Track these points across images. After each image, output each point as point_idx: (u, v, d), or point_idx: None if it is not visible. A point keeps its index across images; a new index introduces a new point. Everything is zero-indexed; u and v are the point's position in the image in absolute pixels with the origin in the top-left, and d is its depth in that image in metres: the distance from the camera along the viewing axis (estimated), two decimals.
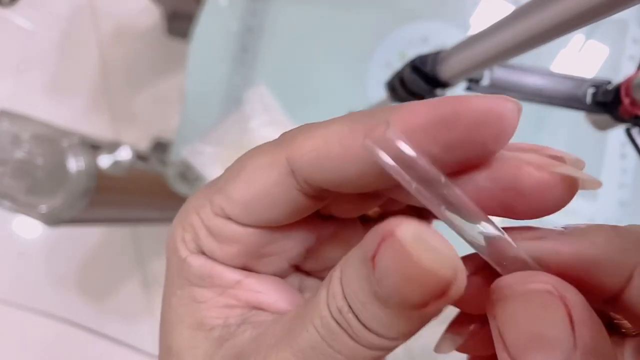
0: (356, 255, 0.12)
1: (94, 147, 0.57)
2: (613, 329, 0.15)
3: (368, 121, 0.12)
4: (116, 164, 0.58)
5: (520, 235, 0.13)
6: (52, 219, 0.54)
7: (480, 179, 0.13)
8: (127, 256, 1.14)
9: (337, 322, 0.12)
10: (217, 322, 0.15)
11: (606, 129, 0.37)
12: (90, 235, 1.13)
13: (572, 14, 0.21)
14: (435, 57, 0.34)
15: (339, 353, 0.12)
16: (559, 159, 0.13)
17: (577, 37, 0.59)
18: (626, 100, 0.33)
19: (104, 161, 0.57)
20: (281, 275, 0.17)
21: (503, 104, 0.12)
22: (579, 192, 0.13)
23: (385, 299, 0.11)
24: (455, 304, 0.15)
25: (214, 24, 0.63)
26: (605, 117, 0.35)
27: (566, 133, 0.58)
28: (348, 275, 0.12)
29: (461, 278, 0.11)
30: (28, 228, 1.15)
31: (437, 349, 0.16)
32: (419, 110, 0.12)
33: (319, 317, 0.13)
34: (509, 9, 0.25)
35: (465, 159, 0.12)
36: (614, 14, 0.20)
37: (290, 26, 0.64)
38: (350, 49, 0.63)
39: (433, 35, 0.61)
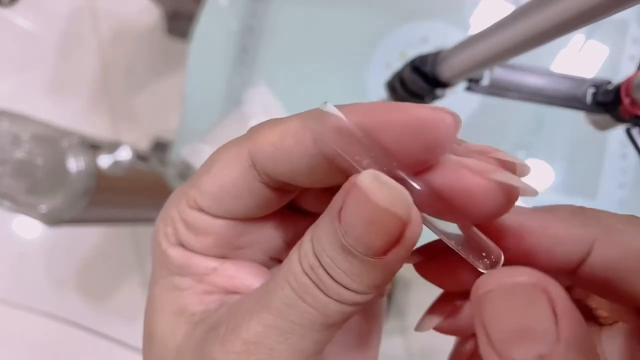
0: (325, 214, 0.13)
1: (94, 147, 0.57)
2: (590, 319, 0.16)
3: (317, 117, 0.13)
4: (116, 164, 0.58)
5: None
6: (52, 219, 0.54)
7: (422, 181, 0.13)
8: (127, 256, 1.14)
9: (309, 278, 0.13)
10: (198, 308, 0.15)
11: (606, 129, 0.37)
12: (90, 235, 1.13)
13: (572, 14, 0.21)
14: (435, 57, 0.34)
15: (312, 307, 0.13)
16: (504, 163, 0.13)
17: (577, 37, 0.59)
18: (626, 100, 0.33)
19: (104, 161, 0.57)
20: (262, 263, 0.18)
21: (438, 115, 0.12)
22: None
23: (350, 249, 0.12)
24: (434, 280, 0.16)
25: (214, 24, 0.63)
26: (605, 117, 0.35)
27: (566, 133, 0.58)
28: (318, 234, 0.13)
29: (415, 219, 0.12)
30: (28, 228, 1.15)
31: (418, 327, 0.17)
32: (357, 110, 0.13)
33: (292, 275, 0.13)
34: (509, 9, 0.25)
35: (406, 165, 0.13)
36: (614, 14, 0.20)
37: (290, 26, 0.64)
38: (350, 49, 0.63)
39: (433, 35, 0.61)
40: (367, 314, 0.18)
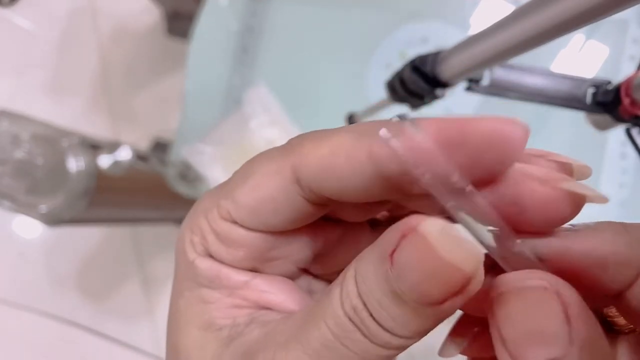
0: (373, 252, 0.12)
1: (94, 147, 0.57)
2: (606, 326, 0.15)
3: (373, 133, 0.12)
4: (116, 164, 0.58)
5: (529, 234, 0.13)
6: (52, 219, 0.54)
7: (484, 193, 0.13)
8: (127, 256, 1.14)
9: (352, 321, 0.12)
10: (226, 322, 0.15)
11: (606, 129, 0.37)
12: (90, 235, 1.13)
13: (572, 14, 0.21)
14: (435, 57, 0.34)
15: (352, 352, 0.12)
16: (567, 166, 0.13)
17: (577, 37, 0.59)
18: (626, 100, 0.33)
19: (104, 161, 0.57)
20: (290, 277, 0.17)
21: (510, 127, 0.12)
22: None
23: (402, 296, 0.11)
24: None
25: (214, 24, 0.63)
26: (605, 117, 0.35)
27: (566, 133, 0.58)
28: (364, 273, 0.12)
29: (480, 273, 0.11)
30: (28, 228, 1.15)
31: (442, 353, 0.16)
32: (432, 124, 0.12)
33: (332, 315, 0.13)
34: (509, 9, 0.25)
35: (472, 178, 0.12)
36: (614, 14, 0.20)
37: (290, 26, 0.64)
38: (350, 49, 0.63)
39: (433, 35, 0.61)
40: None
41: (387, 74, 0.40)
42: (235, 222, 0.15)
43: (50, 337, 1.10)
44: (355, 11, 0.63)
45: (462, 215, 0.12)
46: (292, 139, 0.14)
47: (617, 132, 0.42)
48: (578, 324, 0.11)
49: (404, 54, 0.61)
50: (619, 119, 0.34)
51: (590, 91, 0.36)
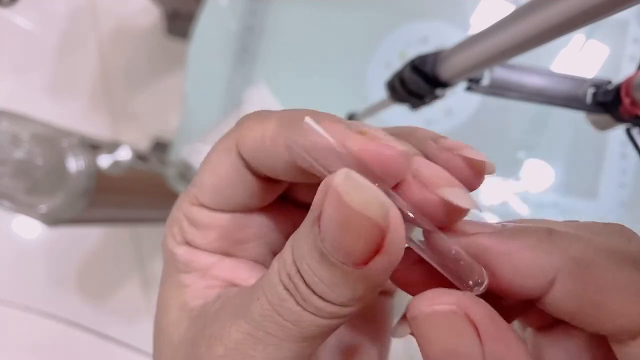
0: (306, 219, 0.13)
1: (93, 147, 0.57)
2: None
3: (293, 123, 0.13)
4: (116, 164, 0.58)
5: (455, 231, 0.14)
6: (52, 219, 0.54)
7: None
8: (127, 256, 1.14)
9: (286, 289, 0.13)
10: (198, 302, 0.16)
11: (606, 129, 0.37)
12: (90, 236, 1.13)
13: (572, 14, 0.21)
14: (435, 57, 0.34)
15: (287, 320, 0.13)
16: (472, 162, 0.14)
17: (577, 37, 0.59)
18: (626, 100, 0.33)
19: (104, 161, 0.57)
20: (264, 262, 0.18)
21: (387, 152, 0.13)
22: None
23: (329, 257, 0.12)
24: (405, 288, 0.15)
25: (214, 23, 0.63)
26: (605, 117, 0.35)
27: (566, 133, 0.58)
28: (298, 239, 0.13)
29: (395, 225, 0.11)
30: (28, 228, 1.15)
31: (393, 333, 0.16)
32: (326, 129, 0.13)
33: (269, 285, 0.13)
34: (509, 9, 0.25)
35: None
36: (614, 14, 0.20)
37: (290, 26, 0.64)
38: (350, 49, 0.63)
39: (433, 35, 0.61)
40: (376, 314, 0.18)
41: (387, 74, 0.40)
42: (203, 206, 0.16)
43: (50, 337, 1.10)
44: (356, 11, 0.63)
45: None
46: (241, 118, 0.16)
47: (618, 132, 0.42)
48: (489, 343, 0.12)
49: (404, 54, 0.61)
50: (619, 119, 0.34)
51: (591, 91, 0.36)
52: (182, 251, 0.17)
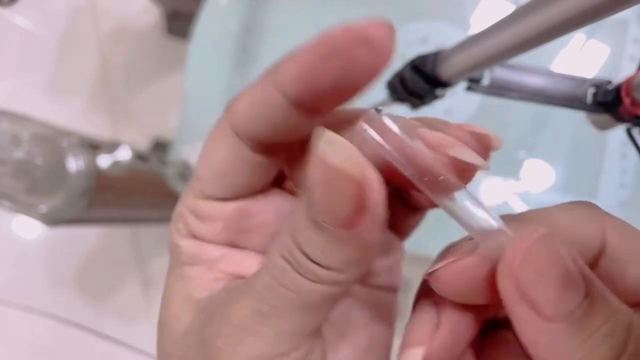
0: (303, 193, 0.13)
1: (93, 147, 0.57)
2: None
3: (272, 75, 0.14)
4: (116, 164, 0.58)
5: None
6: (52, 219, 0.54)
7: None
8: (127, 256, 1.14)
9: (286, 261, 0.13)
10: (204, 294, 0.16)
11: (606, 129, 0.37)
12: (90, 236, 1.13)
13: (572, 14, 0.21)
14: (435, 57, 0.34)
15: (289, 290, 0.13)
16: (482, 137, 0.15)
17: (577, 37, 0.59)
18: (626, 100, 0.33)
19: (104, 161, 0.57)
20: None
21: (373, 27, 0.13)
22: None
23: (319, 222, 0.12)
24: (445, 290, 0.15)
25: (214, 23, 0.63)
26: (605, 117, 0.35)
27: (567, 133, 0.58)
28: (296, 213, 0.13)
29: (372, 181, 0.12)
30: (28, 228, 1.15)
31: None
32: (305, 52, 0.13)
33: (271, 259, 0.14)
34: (509, 9, 0.25)
35: (356, 82, 0.13)
36: (614, 14, 0.20)
37: (290, 26, 0.64)
38: None
39: (433, 35, 0.61)
40: (380, 312, 0.18)
41: (387, 73, 0.40)
42: (207, 197, 0.16)
43: (50, 337, 1.10)
44: (355, 11, 0.63)
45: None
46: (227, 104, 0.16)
47: (618, 132, 0.42)
48: (579, 261, 0.12)
49: (404, 54, 0.61)
50: (619, 118, 0.34)
51: (591, 91, 0.36)
52: (188, 244, 0.17)
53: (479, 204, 0.13)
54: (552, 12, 0.22)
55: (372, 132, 0.13)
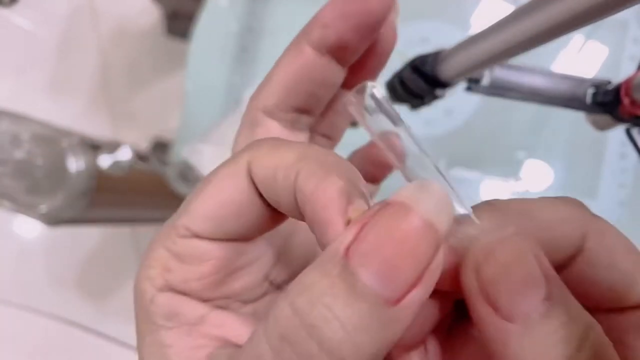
0: (317, 263, 0.11)
1: (93, 147, 0.57)
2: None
3: (309, 159, 0.13)
4: (116, 164, 0.58)
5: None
6: (52, 219, 0.54)
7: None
8: (127, 256, 1.14)
9: (287, 342, 0.11)
10: None
11: (606, 129, 0.37)
12: (90, 235, 1.13)
13: (572, 14, 0.21)
14: (435, 57, 0.34)
15: None
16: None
17: (577, 37, 0.59)
18: (626, 100, 0.33)
19: (104, 161, 0.57)
20: (258, 292, 0.17)
21: None
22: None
23: (362, 290, 0.10)
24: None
25: (214, 24, 0.63)
26: (605, 117, 0.35)
27: (566, 133, 0.58)
28: (309, 280, 0.11)
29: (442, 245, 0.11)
30: (28, 228, 1.15)
31: None
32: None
33: (264, 339, 0.11)
34: (509, 9, 0.25)
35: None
36: (614, 14, 0.20)
37: (290, 26, 0.64)
38: None
39: (433, 35, 0.61)
40: None
41: (387, 74, 0.40)
42: (196, 236, 0.14)
43: (50, 337, 1.10)
44: None
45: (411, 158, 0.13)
46: (249, 144, 0.15)
47: (617, 132, 0.42)
48: (547, 266, 0.12)
49: (404, 54, 0.61)
50: (618, 119, 0.34)
51: (590, 91, 0.36)
52: (164, 300, 0.14)
53: (454, 192, 0.13)
54: (551, 12, 0.22)
55: (355, 108, 0.13)
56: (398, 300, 0.10)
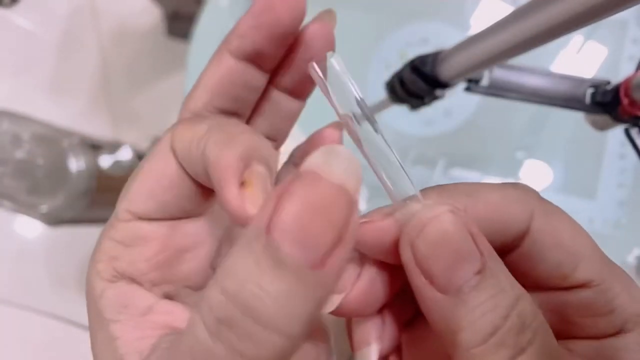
0: (242, 239, 0.11)
1: (94, 147, 0.57)
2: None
3: (219, 130, 0.14)
4: (116, 163, 0.58)
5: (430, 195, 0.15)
6: (53, 219, 0.54)
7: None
8: None
9: (221, 322, 0.11)
10: (134, 357, 0.14)
11: (605, 129, 0.37)
12: (91, 235, 1.13)
13: (571, 14, 0.21)
14: (435, 58, 0.34)
15: None
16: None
17: (576, 38, 0.59)
18: (625, 101, 0.33)
19: (105, 161, 0.57)
20: (204, 280, 0.17)
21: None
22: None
23: (286, 258, 0.10)
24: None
25: (214, 24, 0.63)
26: (604, 118, 0.36)
27: (565, 133, 0.58)
28: (232, 264, 0.11)
29: (357, 202, 0.11)
30: (28, 228, 1.15)
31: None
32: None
33: (200, 321, 0.11)
34: (509, 9, 0.25)
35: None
36: (613, 14, 0.20)
37: None
38: (350, 49, 0.63)
39: (433, 36, 0.61)
40: None
41: (387, 74, 0.40)
42: (137, 218, 0.15)
43: (51, 337, 1.10)
44: (355, 11, 0.64)
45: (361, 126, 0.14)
46: (173, 124, 0.16)
47: (616, 133, 0.42)
48: (481, 240, 0.13)
49: (404, 54, 0.61)
50: (618, 119, 0.34)
51: (590, 91, 0.36)
52: (113, 292, 0.15)
53: (404, 172, 0.14)
54: (551, 12, 0.22)
55: (315, 75, 0.14)
56: (322, 264, 0.10)
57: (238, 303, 0.11)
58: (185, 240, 0.16)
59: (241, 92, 0.18)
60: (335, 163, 0.11)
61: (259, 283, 0.10)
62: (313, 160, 0.11)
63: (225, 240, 0.18)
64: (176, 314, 0.15)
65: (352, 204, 0.11)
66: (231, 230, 0.18)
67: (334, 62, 0.14)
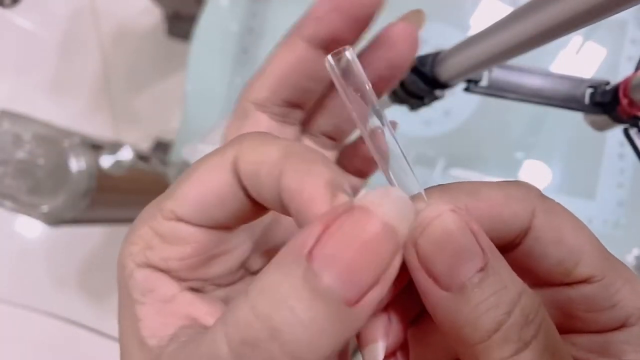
0: (281, 258, 0.11)
1: (95, 147, 0.57)
2: None
3: (294, 156, 0.14)
4: (117, 164, 0.58)
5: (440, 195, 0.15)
6: (53, 219, 0.54)
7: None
8: None
9: (247, 344, 0.11)
10: (153, 342, 0.14)
11: (604, 129, 0.37)
12: (92, 235, 1.14)
13: (571, 15, 0.21)
14: (434, 58, 0.34)
15: None
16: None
17: (575, 38, 0.59)
18: (624, 101, 0.33)
19: (105, 161, 0.57)
20: (233, 278, 0.17)
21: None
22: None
23: (324, 292, 0.10)
24: None
25: (214, 25, 0.63)
26: (603, 118, 0.36)
27: (565, 134, 0.58)
28: (270, 283, 0.11)
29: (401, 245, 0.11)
30: (29, 228, 1.15)
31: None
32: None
33: (224, 338, 0.11)
34: (508, 10, 0.25)
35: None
36: (613, 14, 0.20)
37: (290, 27, 0.64)
38: None
39: (432, 36, 0.61)
40: None
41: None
42: (180, 220, 0.15)
43: (51, 337, 1.10)
44: None
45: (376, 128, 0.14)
46: (236, 137, 0.15)
47: (616, 133, 0.42)
48: (483, 238, 0.13)
49: None
50: (617, 119, 0.34)
51: (589, 92, 0.36)
52: (143, 276, 0.15)
53: (409, 171, 0.14)
54: (550, 13, 0.22)
55: (331, 69, 0.14)
56: (357, 301, 0.11)
57: (267, 325, 0.11)
58: (222, 247, 0.16)
59: (309, 83, 0.17)
60: (389, 202, 0.11)
61: (294, 309, 0.10)
62: (368, 197, 0.11)
63: (262, 241, 0.18)
64: (198, 306, 0.16)
65: (398, 246, 0.11)
66: (270, 229, 0.18)
67: (349, 56, 0.14)
